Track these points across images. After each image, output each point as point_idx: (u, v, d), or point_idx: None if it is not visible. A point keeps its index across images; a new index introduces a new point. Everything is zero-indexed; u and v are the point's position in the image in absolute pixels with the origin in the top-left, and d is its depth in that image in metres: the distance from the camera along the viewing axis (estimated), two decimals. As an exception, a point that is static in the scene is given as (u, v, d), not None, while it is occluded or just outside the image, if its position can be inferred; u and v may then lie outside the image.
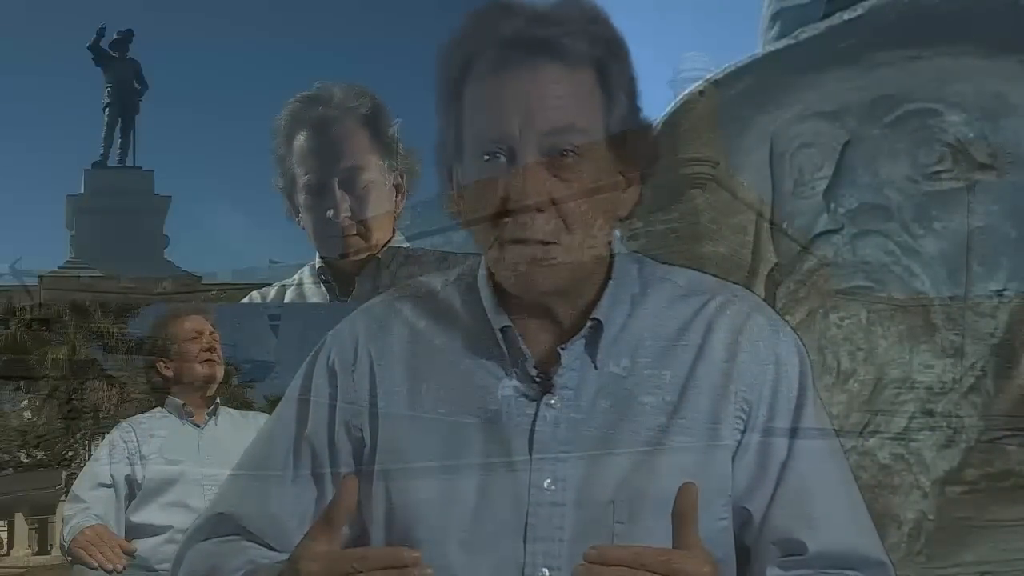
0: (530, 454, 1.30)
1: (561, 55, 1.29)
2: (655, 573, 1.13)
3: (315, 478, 1.38)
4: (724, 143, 2.58)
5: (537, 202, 1.27)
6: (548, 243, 1.28)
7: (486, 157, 1.30)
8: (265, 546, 1.37)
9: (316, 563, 1.19)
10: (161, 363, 3.14)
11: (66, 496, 3.32)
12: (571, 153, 1.28)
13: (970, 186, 2.51)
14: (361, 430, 1.37)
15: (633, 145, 1.33)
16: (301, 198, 2.25)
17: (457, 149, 1.34)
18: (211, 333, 3.12)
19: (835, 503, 1.33)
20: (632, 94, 1.34)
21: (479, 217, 1.31)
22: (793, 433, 1.33)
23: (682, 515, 1.16)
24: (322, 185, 2.21)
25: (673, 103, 2.58)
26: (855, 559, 1.31)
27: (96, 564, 2.83)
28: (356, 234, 2.21)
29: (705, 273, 1.44)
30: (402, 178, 2.28)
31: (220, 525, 1.41)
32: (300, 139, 2.25)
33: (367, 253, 2.23)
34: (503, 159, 1.29)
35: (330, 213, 2.20)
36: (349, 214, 2.20)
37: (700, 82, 2.61)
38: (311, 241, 2.28)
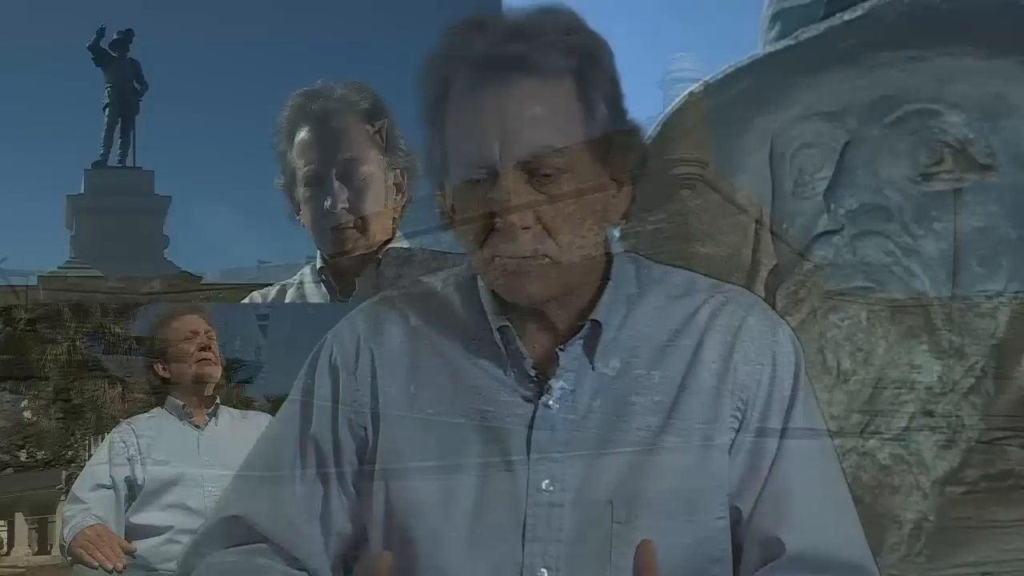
0: (528, 454, 1.31)
1: (536, 69, 1.27)
2: None
3: (321, 477, 1.39)
4: (717, 144, 2.58)
5: (522, 222, 1.27)
6: (536, 258, 1.28)
7: (470, 180, 1.29)
8: (278, 547, 1.37)
9: None
10: (158, 364, 3.12)
11: (66, 496, 3.31)
12: (553, 173, 1.27)
13: (970, 186, 2.51)
14: (365, 428, 1.37)
15: (620, 149, 1.33)
16: (300, 191, 2.24)
17: (444, 166, 1.34)
18: (207, 332, 3.10)
19: (817, 504, 1.32)
20: (614, 98, 1.33)
21: (469, 236, 1.31)
22: (783, 432, 1.33)
23: (641, 571, 1.17)
24: (320, 177, 2.20)
25: (666, 104, 2.58)
26: (834, 564, 1.30)
27: (96, 564, 2.82)
28: (352, 226, 2.20)
29: (702, 273, 1.44)
30: (403, 176, 2.27)
31: (232, 529, 1.40)
32: (301, 133, 2.24)
33: (364, 248, 2.22)
34: (486, 183, 1.28)
35: (327, 203, 2.19)
36: (346, 205, 2.18)
37: (699, 83, 2.61)
38: (311, 237, 2.28)
